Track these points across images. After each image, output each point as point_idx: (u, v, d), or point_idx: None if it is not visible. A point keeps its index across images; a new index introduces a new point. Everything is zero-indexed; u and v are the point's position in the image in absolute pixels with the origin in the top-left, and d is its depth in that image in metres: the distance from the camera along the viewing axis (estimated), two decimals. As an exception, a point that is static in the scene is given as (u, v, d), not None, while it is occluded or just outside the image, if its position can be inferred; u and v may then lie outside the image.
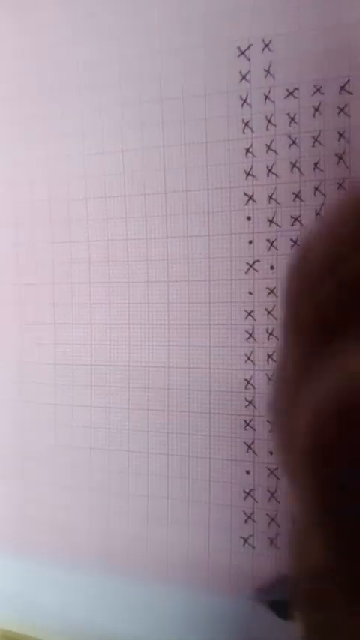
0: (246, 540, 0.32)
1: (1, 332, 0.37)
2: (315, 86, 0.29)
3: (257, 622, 0.31)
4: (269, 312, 0.31)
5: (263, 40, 0.30)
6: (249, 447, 0.32)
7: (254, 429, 0.32)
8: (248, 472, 0.32)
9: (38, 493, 0.37)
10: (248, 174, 0.31)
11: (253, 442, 0.32)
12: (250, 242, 0.31)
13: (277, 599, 0.29)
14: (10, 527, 0.37)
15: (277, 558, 0.31)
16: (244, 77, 0.30)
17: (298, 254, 0.18)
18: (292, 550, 0.17)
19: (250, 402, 0.32)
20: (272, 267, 0.31)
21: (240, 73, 0.31)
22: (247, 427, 0.32)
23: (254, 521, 0.31)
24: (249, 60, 0.30)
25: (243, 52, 0.30)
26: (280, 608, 0.28)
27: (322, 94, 0.29)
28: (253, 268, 0.31)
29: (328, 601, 0.15)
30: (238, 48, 0.30)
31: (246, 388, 0.32)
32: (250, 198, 0.31)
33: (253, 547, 0.31)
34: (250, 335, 0.32)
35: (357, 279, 0.15)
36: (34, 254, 0.36)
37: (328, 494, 0.13)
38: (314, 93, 0.29)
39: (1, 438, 0.38)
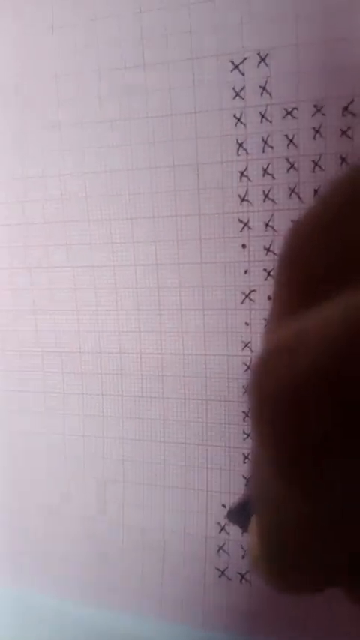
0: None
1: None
2: (315, 106, 0.27)
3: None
4: (267, 344, 0.30)
5: (259, 54, 0.27)
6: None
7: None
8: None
9: (29, 522, 0.36)
10: (243, 200, 0.29)
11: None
12: (246, 271, 0.30)
13: (243, 521, 0.30)
14: (2, 557, 0.37)
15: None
16: (238, 94, 0.28)
17: (294, 223, 0.19)
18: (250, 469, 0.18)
19: (248, 435, 0.31)
20: (270, 298, 0.29)
21: (233, 89, 0.28)
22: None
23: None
24: (243, 75, 0.28)
25: (237, 66, 0.28)
26: (246, 526, 0.30)
27: (323, 114, 0.27)
28: (250, 298, 0.30)
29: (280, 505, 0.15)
30: (232, 62, 0.28)
31: (244, 420, 0.31)
32: (246, 225, 0.29)
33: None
34: (248, 367, 0.30)
35: (347, 243, 0.15)
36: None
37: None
38: (315, 113, 0.27)
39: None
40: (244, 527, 0.30)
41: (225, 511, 0.31)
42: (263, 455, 0.14)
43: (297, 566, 0.17)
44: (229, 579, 0.32)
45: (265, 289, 0.29)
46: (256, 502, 0.18)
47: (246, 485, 0.31)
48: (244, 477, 0.31)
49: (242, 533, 0.30)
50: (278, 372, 0.13)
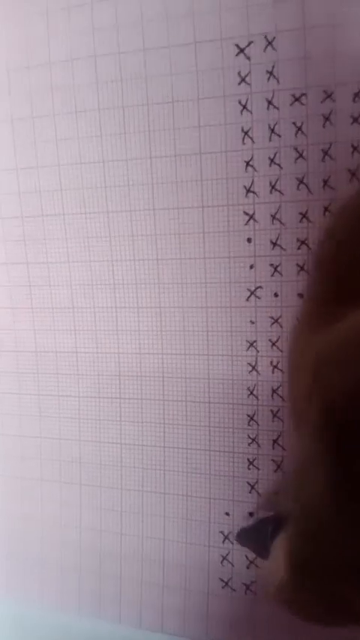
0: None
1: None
2: (325, 92, 0.26)
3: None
4: (273, 344, 0.28)
5: (265, 37, 0.26)
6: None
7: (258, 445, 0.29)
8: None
9: (26, 530, 0.34)
10: (248, 191, 0.27)
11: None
12: (251, 266, 0.28)
13: (257, 544, 0.28)
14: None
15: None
16: (243, 79, 0.27)
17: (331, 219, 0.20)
18: (292, 483, 0.17)
19: (253, 440, 0.29)
20: (276, 295, 0.28)
21: (239, 74, 0.27)
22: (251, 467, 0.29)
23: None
24: (249, 59, 0.26)
25: (242, 50, 0.26)
26: (262, 549, 0.28)
27: (333, 100, 0.25)
28: (255, 295, 0.28)
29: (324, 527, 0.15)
30: (237, 45, 0.26)
31: (249, 424, 0.29)
32: (251, 217, 0.28)
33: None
34: (253, 367, 0.29)
35: None
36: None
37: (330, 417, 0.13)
38: (324, 99, 0.26)
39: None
40: (259, 551, 0.28)
41: (226, 520, 0.30)
42: (326, 455, 0.13)
43: (335, 589, 0.15)
44: (234, 590, 0.30)
45: (271, 286, 0.28)
46: (296, 519, 0.16)
47: (260, 504, 0.29)
48: (248, 483, 0.29)
49: (257, 556, 0.29)
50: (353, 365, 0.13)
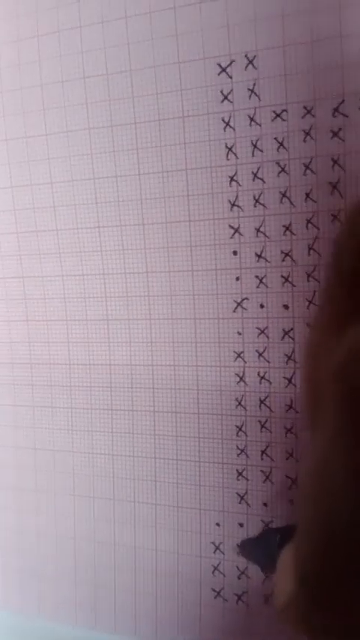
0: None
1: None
2: (305, 107, 0.26)
3: None
4: (260, 354, 0.29)
5: (246, 56, 0.27)
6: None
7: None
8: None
9: (22, 541, 0.35)
10: (233, 205, 0.28)
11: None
12: (237, 278, 0.29)
13: (262, 555, 0.28)
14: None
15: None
16: (225, 97, 0.27)
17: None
18: (308, 481, 0.17)
19: (242, 450, 0.29)
20: (262, 306, 0.28)
21: (221, 92, 0.27)
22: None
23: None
24: (231, 78, 0.27)
25: (224, 69, 0.27)
26: (266, 563, 0.28)
27: (313, 116, 0.26)
28: (242, 307, 0.29)
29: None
30: (219, 64, 0.27)
31: (238, 435, 0.29)
32: (236, 231, 0.28)
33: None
34: (241, 378, 0.29)
35: None
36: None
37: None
38: (305, 115, 0.26)
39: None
40: (264, 564, 0.28)
41: (216, 531, 0.30)
42: (350, 445, 0.14)
43: (352, 601, 0.14)
44: (226, 600, 0.30)
45: (257, 297, 0.28)
46: (310, 522, 0.15)
47: (267, 523, 0.29)
48: (238, 494, 0.30)
49: (262, 570, 0.29)
50: None
